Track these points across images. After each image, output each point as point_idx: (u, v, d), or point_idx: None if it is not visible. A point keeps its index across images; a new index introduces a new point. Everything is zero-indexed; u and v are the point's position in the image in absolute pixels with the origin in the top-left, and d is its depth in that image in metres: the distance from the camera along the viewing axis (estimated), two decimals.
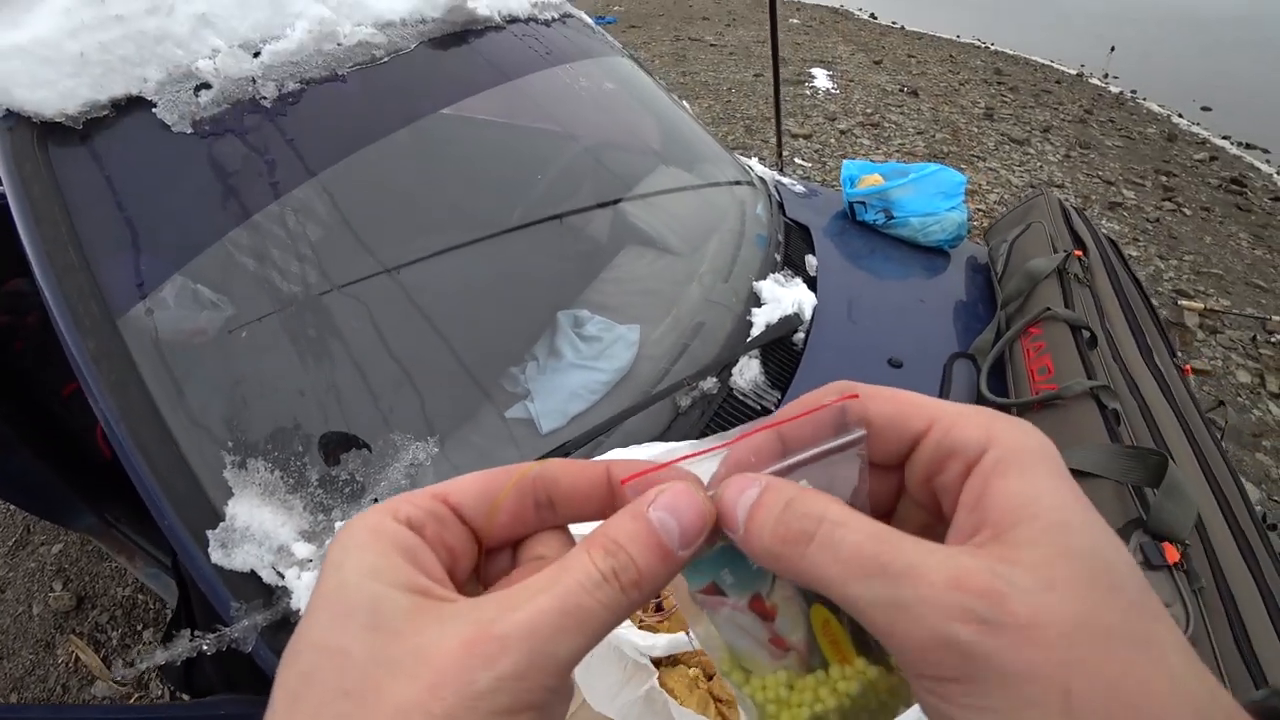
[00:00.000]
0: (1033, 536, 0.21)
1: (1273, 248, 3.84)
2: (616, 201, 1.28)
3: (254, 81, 0.95)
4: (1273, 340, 3.00)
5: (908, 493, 0.27)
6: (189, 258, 0.81)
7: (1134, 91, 6.51)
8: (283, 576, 0.71)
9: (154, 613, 2.23)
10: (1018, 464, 0.22)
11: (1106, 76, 6.90)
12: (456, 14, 1.20)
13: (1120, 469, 0.85)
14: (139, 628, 2.17)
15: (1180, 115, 5.97)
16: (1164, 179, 4.58)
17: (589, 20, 1.66)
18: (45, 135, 0.85)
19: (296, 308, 0.83)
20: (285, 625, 0.73)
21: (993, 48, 7.67)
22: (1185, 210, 4.18)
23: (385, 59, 1.07)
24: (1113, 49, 7.00)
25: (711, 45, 7.19)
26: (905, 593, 0.20)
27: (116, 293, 0.78)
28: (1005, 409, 1.11)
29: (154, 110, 0.89)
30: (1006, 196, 4.17)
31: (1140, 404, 1.07)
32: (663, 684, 0.68)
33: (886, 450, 0.26)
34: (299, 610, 0.70)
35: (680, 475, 0.25)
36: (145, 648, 2.12)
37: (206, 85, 0.92)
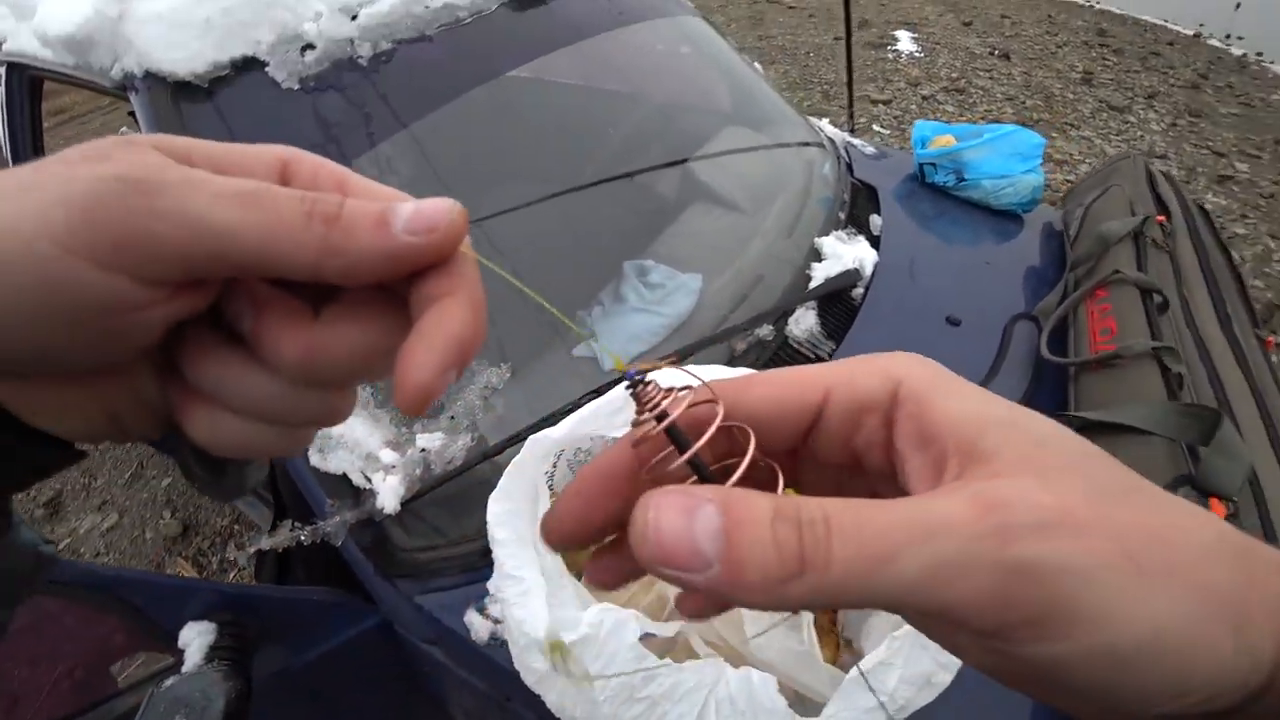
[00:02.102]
0: (997, 444, 0.20)
1: None
2: (685, 161, 1.32)
3: (352, 42, 1.04)
4: None
5: (811, 467, 0.25)
6: None
7: (1259, 54, 5.91)
8: (369, 480, 0.81)
9: (248, 540, 2.46)
10: (937, 389, 0.22)
11: (1229, 37, 6.28)
12: None
13: (1172, 426, 0.85)
14: (234, 555, 2.41)
15: None
16: None
17: None
18: (178, 93, 0.96)
19: None
20: (370, 524, 0.83)
21: (1097, 6, 7.10)
22: None
23: (469, 19, 1.14)
24: (1238, 5, 6.36)
25: (790, 8, 6.97)
26: (943, 547, 0.17)
27: None
28: (1062, 370, 1.11)
29: (266, 69, 0.99)
30: (1099, 167, 3.94)
31: (1209, 370, 1.04)
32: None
33: (781, 434, 0.24)
34: (383, 509, 0.80)
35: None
36: (240, 571, 2.35)
37: (311, 46, 1.01)
